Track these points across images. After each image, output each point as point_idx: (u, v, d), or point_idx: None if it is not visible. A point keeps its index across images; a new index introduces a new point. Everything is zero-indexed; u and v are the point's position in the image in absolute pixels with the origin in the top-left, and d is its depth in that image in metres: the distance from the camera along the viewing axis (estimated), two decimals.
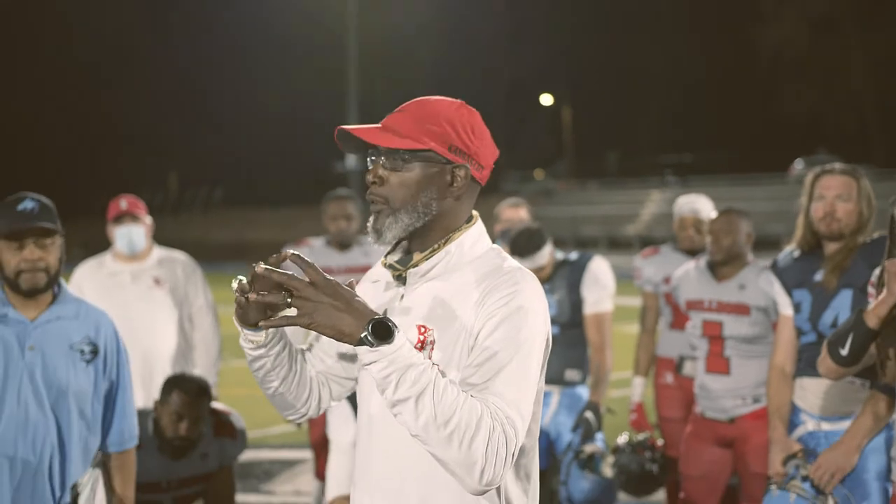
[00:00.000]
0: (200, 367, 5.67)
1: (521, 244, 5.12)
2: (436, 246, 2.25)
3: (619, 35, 53.49)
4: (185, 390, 4.52)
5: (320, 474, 6.06)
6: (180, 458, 4.55)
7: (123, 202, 5.62)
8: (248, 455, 7.87)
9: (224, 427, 4.72)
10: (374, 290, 2.38)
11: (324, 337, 2.38)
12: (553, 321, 5.20)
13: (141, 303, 5.56)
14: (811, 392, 4.06)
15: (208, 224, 51.21)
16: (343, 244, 5.97)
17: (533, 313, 2.18)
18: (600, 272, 5.24)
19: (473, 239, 2.28)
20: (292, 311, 2.10)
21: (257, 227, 49.08)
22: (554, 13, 53.82)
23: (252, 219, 50.82)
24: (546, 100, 56.41)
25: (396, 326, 2.06)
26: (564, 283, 5.21)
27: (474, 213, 2.34)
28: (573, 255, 5.33)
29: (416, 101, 2.31)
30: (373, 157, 2.29)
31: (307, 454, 8.08)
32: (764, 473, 4.43)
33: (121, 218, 5.57)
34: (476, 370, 2.12)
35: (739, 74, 51.12)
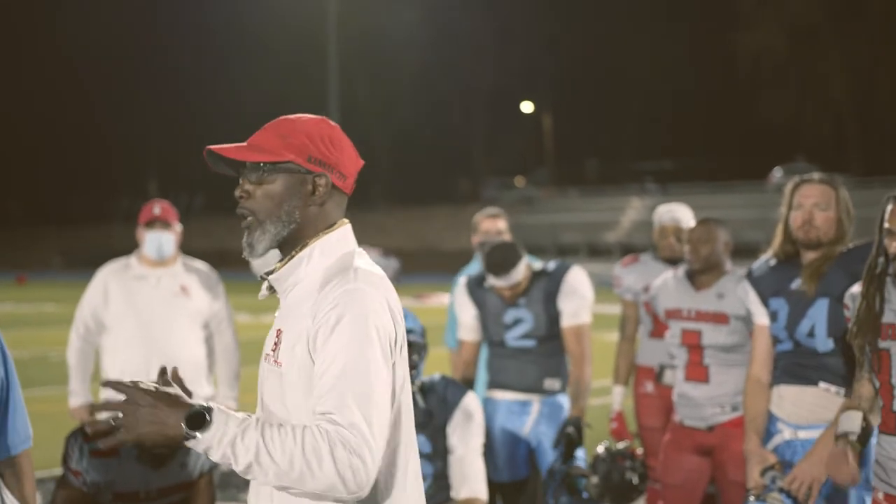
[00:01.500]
0: (222, 381, 5.69)
1: (496, 262, 5.06)
2: (293, 253, 2.36)
3: (599, 42, 53.65)
4: None
5: None
6: (159, 468, 4.54)
7: (157, 208, 5.68)
8: None
9: None
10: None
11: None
12: (529, 335, 5.17)
13: (165, 308, 5.58)
14: (788, 400, 4.08)
15: (189, 231, 50.93)
16: None
17: (361, 319, 2.23)
18: (578, 283, 5.17)
19: (330, 244, 2.37)
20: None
21: (238, 235, 48.96)
22: (534, 20, 53.93)
23: (233, 226, 50.68)
24: (526, 107, 56.52)
25: (210, 409, 2.17)
26: (541, 294, 5.14)
27: (344, 220, 2.43)
28: (550, 266, 5.26)
29: (278, 119, 2.43)
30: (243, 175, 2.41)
31: None
32: (742, 482, 4.46)
33: (152, 223, 5.63)
34: (320, 392, 2.20)
35: (719, 82, 51.36)
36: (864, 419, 3.46)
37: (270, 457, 2.13)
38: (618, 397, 5.94)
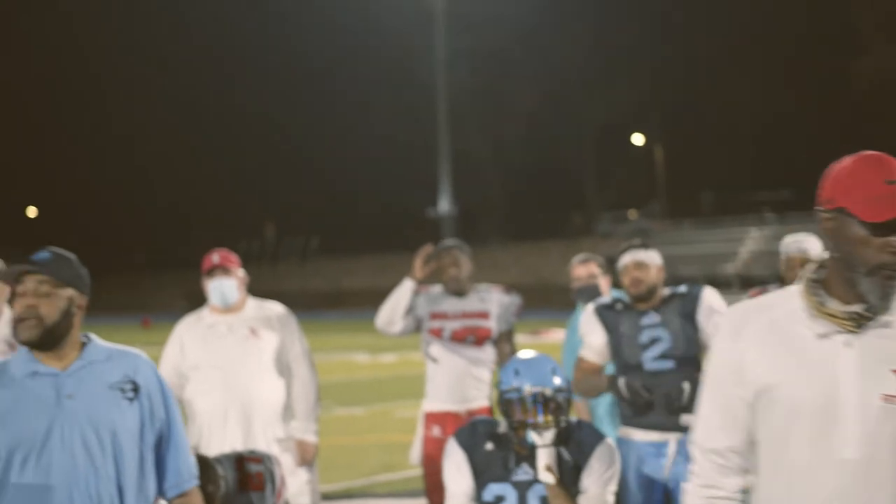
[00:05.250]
0: (300, 415, 5.72)
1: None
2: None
3: (710, 72, 53.10)
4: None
5: None
6: None
7: (216, 256, 5.74)
8: None
9: (250, 480, 4.51)
10: (799, 341, 2.43)
11: None
12: (667, 354, 5.00)
13: (239, 353, 5.66)
14: None
15: (305, 273, 51.81)
16: (458, 291, 6.22)
17: None
18: (715, 301, 5.10)
19: None
20: None
21: (354, 275, 49.54)
22: (643, 52, 53.67)
23: (348, 266, 51.34)
24: (637, 139, 56.17)
25: None
26: (677, 313, 5.05)
27: None
28: (681, 288, 5.19)
29: None
30: None
31: (413, 503, 8.06)
32: None
33: (213, 272, 5.69)
34: None
35: (833, 107, 50.34)
36: None
37: None
38: None
